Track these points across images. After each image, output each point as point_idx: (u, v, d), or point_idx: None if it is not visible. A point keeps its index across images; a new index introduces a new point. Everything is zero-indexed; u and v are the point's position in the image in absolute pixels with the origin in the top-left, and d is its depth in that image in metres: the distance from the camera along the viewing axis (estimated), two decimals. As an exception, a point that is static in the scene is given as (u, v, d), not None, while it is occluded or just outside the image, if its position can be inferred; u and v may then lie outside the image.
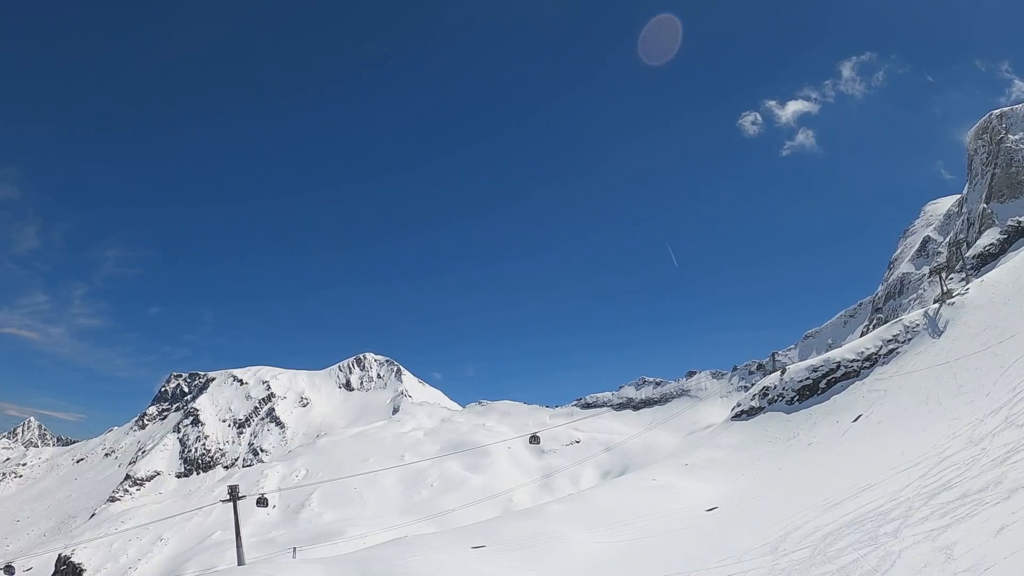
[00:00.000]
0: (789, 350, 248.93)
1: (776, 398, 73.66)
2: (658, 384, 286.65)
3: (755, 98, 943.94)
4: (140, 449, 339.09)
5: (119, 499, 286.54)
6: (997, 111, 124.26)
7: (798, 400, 71.38)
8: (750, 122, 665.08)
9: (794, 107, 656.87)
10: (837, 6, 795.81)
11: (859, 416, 58.32)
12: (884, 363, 67.68)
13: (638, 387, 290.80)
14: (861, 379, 67.88)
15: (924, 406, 50.83)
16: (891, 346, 69.10)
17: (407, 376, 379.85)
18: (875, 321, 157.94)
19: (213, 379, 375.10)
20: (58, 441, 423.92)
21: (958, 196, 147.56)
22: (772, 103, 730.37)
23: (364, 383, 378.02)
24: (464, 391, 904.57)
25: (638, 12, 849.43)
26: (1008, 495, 19.97)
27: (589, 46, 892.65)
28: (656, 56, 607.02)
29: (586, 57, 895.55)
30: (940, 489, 25.22)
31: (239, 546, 47.70)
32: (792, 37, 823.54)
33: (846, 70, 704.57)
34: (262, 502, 66.25)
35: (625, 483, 64.32)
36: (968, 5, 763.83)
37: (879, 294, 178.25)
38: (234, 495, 47.74)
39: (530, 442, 73.95)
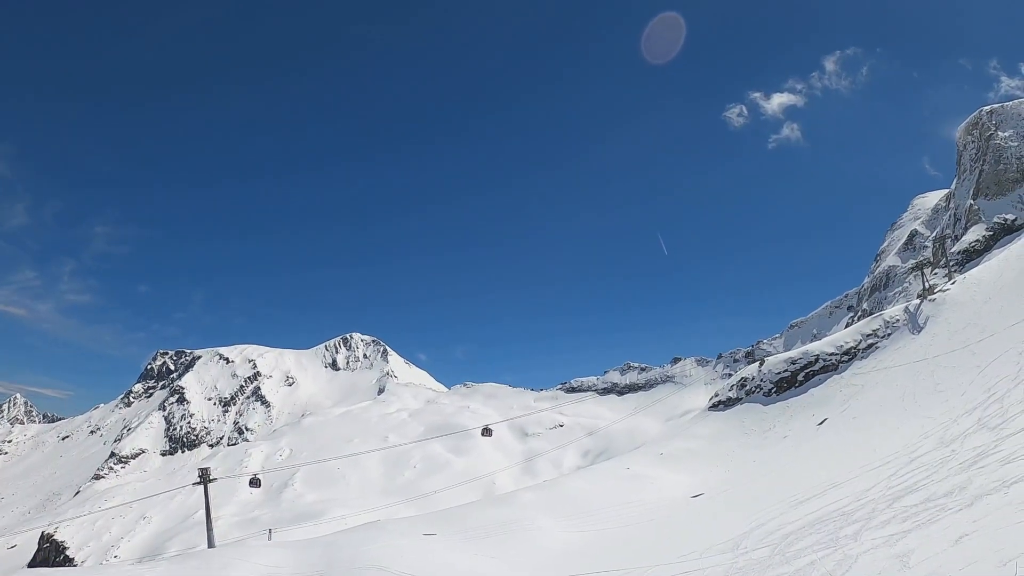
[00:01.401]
0: (774, 339, 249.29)
1: (754, 389, 73.47)
2: (643, 370, 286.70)
3: (740, 90, 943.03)
4: (125, 427, 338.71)
5: (104, 477, 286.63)
6: (987, 107, 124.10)
7: (776, 392, 71.19)
8: (736, 114, 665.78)
9: (779, 99, 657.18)
10: (821, 1, 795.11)
11: (824, 420, 58.04)
12: (863, 357, 67.56)
13: (623, 372, 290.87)
14: (839, 373, 67.72)
15: (900, 403, 50.61)
16: (871, 340, 68.97)
17: (393, 357, 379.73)
18: (860, 313, 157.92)
19: (199, 357, 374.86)
20: (44, 418, 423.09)
21: (947, 191, 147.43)
22: (757, 95, 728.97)
23: (350, 363, 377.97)
24: (451, 373, 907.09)
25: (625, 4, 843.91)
26: (971, 502, 19.68)
27: (579, 38, 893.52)
28: (656, 55, 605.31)
29: (576, 48, 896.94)
30: (906, 491, 24.96)
31: (209, 528, 47.17)
32: (777, 31, 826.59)
33: (830, 64, 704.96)
34: (255, 482, 66.05)
35: (600, 471, 64.22)
36: (955, 3, 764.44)
37: (865, 286, 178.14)
38: (205, 478, 47.16)
39: (482, 434, 72.63)
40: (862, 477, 31.96)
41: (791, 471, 44.77)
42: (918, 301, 70.34)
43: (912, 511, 21.62)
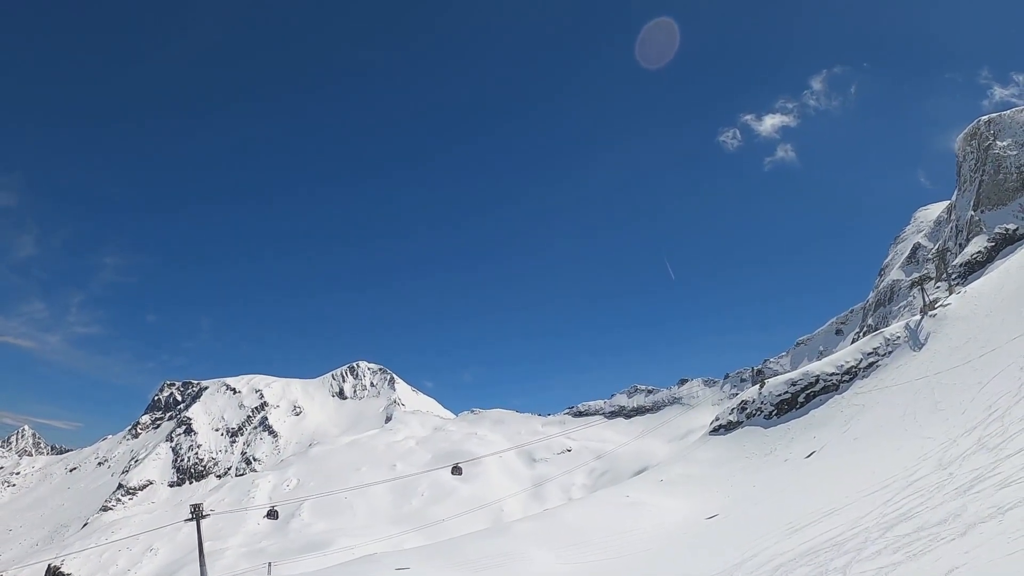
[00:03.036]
0: (781, 357, 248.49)
1: (755, 412, 72.61)
2: (650, 392, 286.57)
3: (732, 114, 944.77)
4: (133, 458, 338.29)
5: (111, 508, 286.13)
6: (985, 117, 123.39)
7: (776, 415, 70.32)
8: (730, 137, 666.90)
9: (771, 121, 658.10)
10: (804, 22, 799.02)
11: (824, 444, 57.07)
12: (864, 377, 66.68)
13: (630, 395, 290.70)
14: (840, 393, 66.88)
15: (900, 423, 49.78)
16: (871, 359, 68.08)
17: (400, 384, 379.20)
18: (865, 329, 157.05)
19: (206, 388, 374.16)
20: (52, 450, 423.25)
21: (948, 202, 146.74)
22: (749, 117, 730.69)
23: (357, 391, 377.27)
24: (459, 399, 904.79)
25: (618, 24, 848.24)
26: (965, 531, 18.90)
27: (577, 58, 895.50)
28: (651, 62, 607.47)
29: (573, 67, 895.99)
30: (900, 519, 24.20)
31: (203, 565, 46.20)
32: (763, 54, 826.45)
33: (818, 84, 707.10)
34: (272, 514, 65.67)
35: (598, 500, 63.51)
36: (939, 16, 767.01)
37: (870, 301, 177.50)
38: (197, 514, 46.08)
39: (452, 473, 71.71)
40: (858, 503, 31.18)
41: (789, 496, 43.91)
42: (919, 317, 69.50)
43: (904, 541, 20.89)
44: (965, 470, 27.43)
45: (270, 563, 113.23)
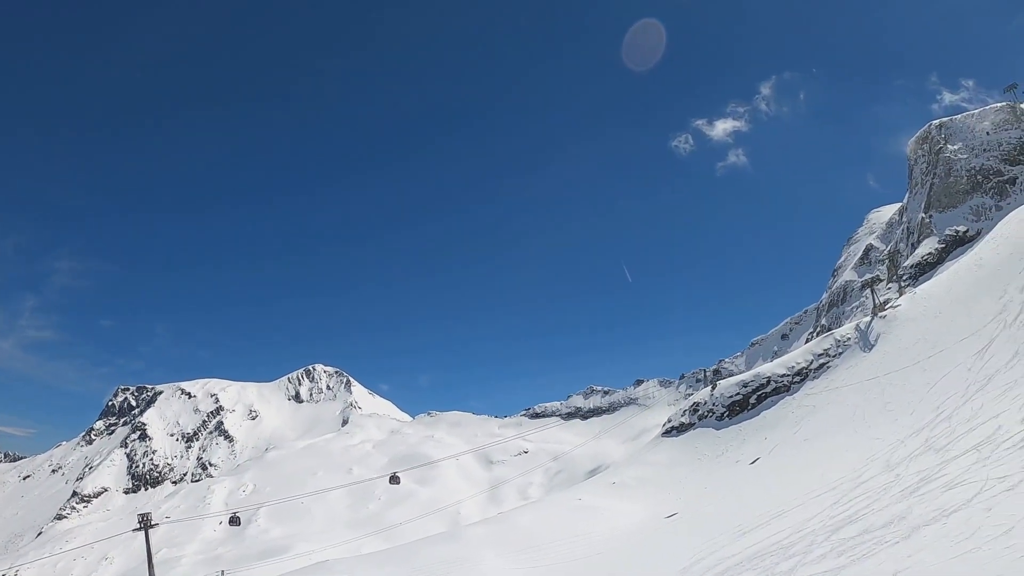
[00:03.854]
0: (736, 357, 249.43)
1: (707, 414, 72.81)
2: (606, 393, 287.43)
3: (684, 118, 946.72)
4: (87, 465, 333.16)
5: (66, 516, 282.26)
6: (936, 121, 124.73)
7: (728, 416, 70.56)
8: (683, 142, 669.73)
9: (723, 126, 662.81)
10: (753, 28, 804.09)
11: (757, 459, 57.17)
12: (815, 378, 67.08)
13: (586, 396, 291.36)
14: (792, 394, 67.26)
15: (850, 424, 50.09)
16: (822, 360, 68.51)
17: (357, 387, 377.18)
18: (818, 329, 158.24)
19: (161, 392, 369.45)
20: (5, 457, 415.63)
21: (900, 204, 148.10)
22: (701, 122, 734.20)
23: (313, 395, 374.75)
24: (415, 401, 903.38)
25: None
26: (909, 534, 18.98)
27: (526, 64, 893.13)
28: (637, 60, 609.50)
29: (523, 73, 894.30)
30: (846, 521, 24.39)
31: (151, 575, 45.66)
32: (713, 58, 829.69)
33: (767, 89, 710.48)
34: (234, 521, 64.80)
35: (551, 503, 63.61)
36: (885, 23, 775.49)
37: (823, 302, 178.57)
38: (145, 523, 45.43)
39: (390, 482, 70.24)
40: (807, 505, 31.41)
41: (740, 498, 44.04)
42: (869, 319, 70.04)
43: (849, 544, 21.02)
44: (912, 471, 27.73)
45: (223, 571, 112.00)
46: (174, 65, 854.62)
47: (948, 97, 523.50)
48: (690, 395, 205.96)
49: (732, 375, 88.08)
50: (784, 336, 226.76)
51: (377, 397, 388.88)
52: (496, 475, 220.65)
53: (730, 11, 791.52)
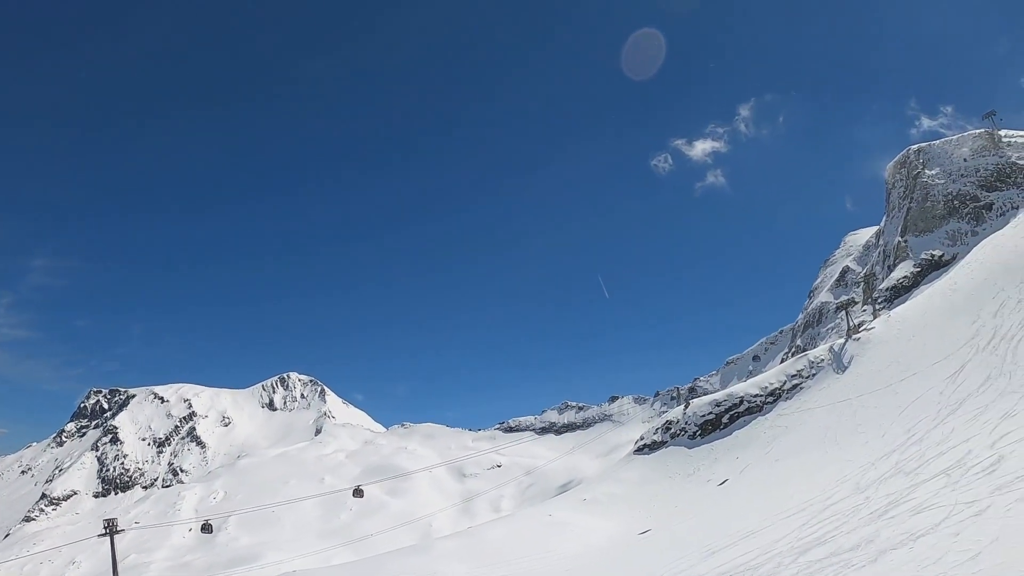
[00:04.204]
0: (711, 376, 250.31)
1: (679, 432, 72.74)
2: (581, 409, 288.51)
3: (664, 137, 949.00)
4: (57, 467, 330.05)
5: (34, 519, 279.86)
6: (915, 146, 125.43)
7: (700, 435, 70.51)
8: (662, 161, 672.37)
9: (702, 146, 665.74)
10: (733, 50, 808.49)
11: (725, 480, 57.08)
12: (788, 398, 67.16)
13: (561, 411, 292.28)
14: (764, 414, 67.29)
15: (821, 445, 50.13)
16: (795, 381, 68.63)
17: (331, 397, 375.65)
18: (793, 349, 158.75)
19: (134, 396, 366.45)
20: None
21: (877, 227, 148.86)
22: (681, 142, 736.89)
23: (287, 403, 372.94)
24: (389, 412, 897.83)
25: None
26: (875, 557, 18.94)
27: (499, 80, 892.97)
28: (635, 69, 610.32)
29: (499, 83, 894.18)
30: (814, 543, 24.31)
31: (115, 582, 45.09)
32: (693, 79, 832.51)
33: (746, 111, 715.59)
34: (206, 528, 64.20)
35: (521, 518, 63.33)
36: (867, 49, 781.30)
37: (799, 322, 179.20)
38: (111, 529, 44.84)
39: (353, 495, 69.25)
40: (776, 525, 31.25)
41: (709, 517, 43.98)
42: (843, 340, 70.30)
43: (817, 567, 20.94)
44: (881, 494, 27.76)
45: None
46: (161, 64, 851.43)
47: (926, 122, 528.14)
48: (664, 412, 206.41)
49: (707, 393, 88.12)
50: (756, 357, 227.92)
51: (351, 407, 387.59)
52: (469, 488, 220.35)
53: (711, 32, 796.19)
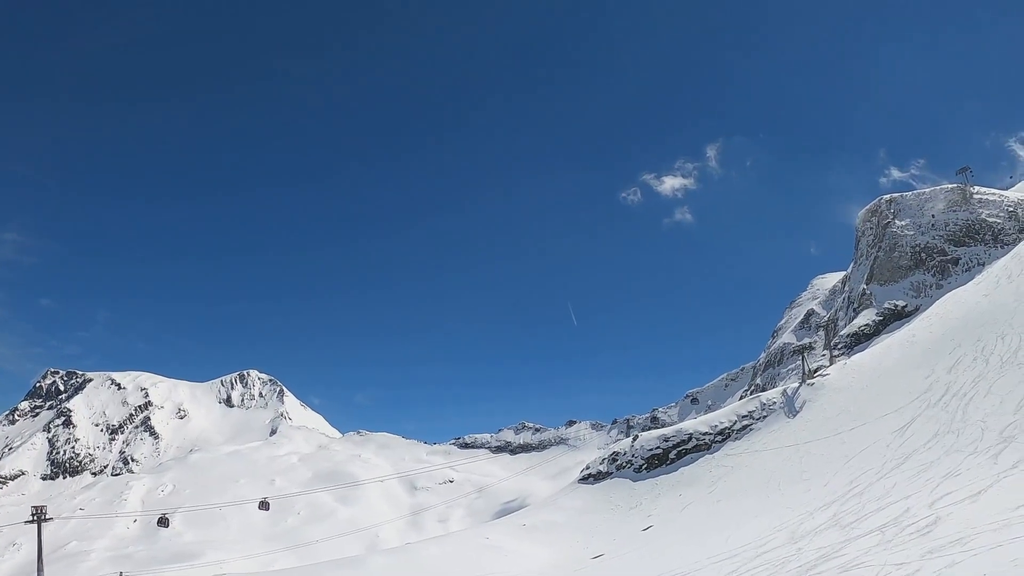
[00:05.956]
0: (670, 407, 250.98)
1: (625, 464, 72.42)
2: (537, 430, 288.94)
3: (633, 171, 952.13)
4: (7, 446, 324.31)
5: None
6: (887, 196, 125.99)
7: (646, 469, 70.22)
8: (631, 194, 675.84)
9: (671, 182, 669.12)
10: (704, 90, 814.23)
11: (649, 527, 56.30)
12: (737, 439, 66.91)
13: (517, 431, 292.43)
14: (712, 452, 67.05)
15: (764, 489, 49.78)
16: (746, 422, 68.41)
17: (289, 398, 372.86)
18: (753, 388, 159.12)
19: (91, 380, 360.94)
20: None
21: (845, 273, 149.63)
22: (650, 177, 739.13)
23: (245, 400, 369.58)
24: (345, 417, 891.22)
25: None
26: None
27: (474, 105, 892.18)
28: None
29: (474, 117, 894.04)
30: (739, 593, 23.69)
31: (40, 572, 44.03)
32: (664, 116, 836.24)
33: (713, 151, 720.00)
34: (163, 522, 62.97)
35: (457, 539, 62.73)
36: (837, 98, 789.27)
37: (760, 361, 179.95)
38: (39, 516, 43.78)
39: (259, 507, 67.82)
40: (706, 569, 30.87)
41: (647, 553, 43.54)
42: (796, 384, 70.12)
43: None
44: (814, 547, 27.36)
45: (121, 572, 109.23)
46: (147, 50, 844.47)
47: (896, 173, 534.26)
48: (619, 441, 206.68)
49: (666, 425, 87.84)
50: (707, 400, 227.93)
51: (309, 410, 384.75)
52: (419, 501, 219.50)
53: (681, 70, 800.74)
